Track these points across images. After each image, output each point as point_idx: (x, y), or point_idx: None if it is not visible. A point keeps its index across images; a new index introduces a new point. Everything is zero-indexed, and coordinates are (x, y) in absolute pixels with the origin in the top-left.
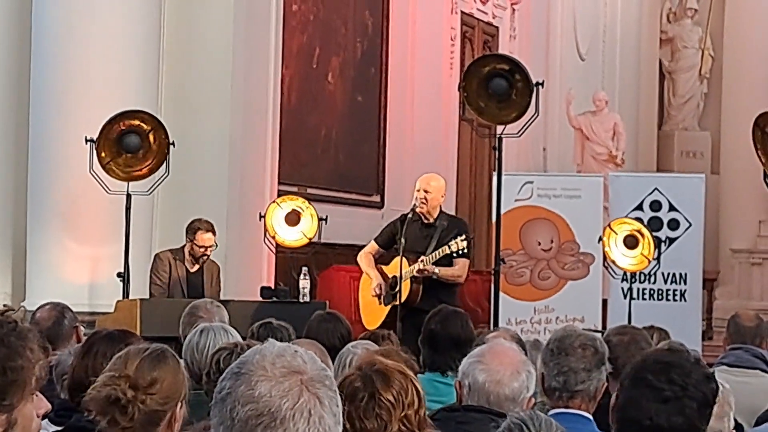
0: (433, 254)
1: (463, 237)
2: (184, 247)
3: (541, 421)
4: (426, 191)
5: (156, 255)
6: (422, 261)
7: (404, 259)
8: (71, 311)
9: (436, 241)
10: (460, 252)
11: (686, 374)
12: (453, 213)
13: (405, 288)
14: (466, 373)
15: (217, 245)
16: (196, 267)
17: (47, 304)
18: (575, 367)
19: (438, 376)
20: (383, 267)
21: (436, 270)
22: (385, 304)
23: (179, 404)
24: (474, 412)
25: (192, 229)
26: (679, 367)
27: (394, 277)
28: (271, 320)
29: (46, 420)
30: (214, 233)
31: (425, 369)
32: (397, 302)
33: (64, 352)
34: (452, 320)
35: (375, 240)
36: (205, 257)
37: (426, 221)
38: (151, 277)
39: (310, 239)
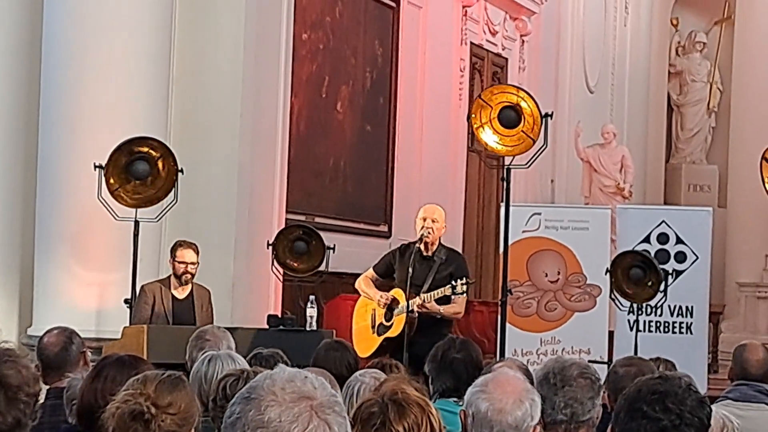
0: (433, 293)
1: (464, 281)
2: (170, 275)
3: None
4: (433, 220)
5: (141, 287)
6: (422, 298)
7: (406, 289)
8: (79, 336)
9: (433, 274)
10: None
11: (681, 402)
12: (461, 243)
13: (400, 320)
14: (470, 402)
15: (199, 264)
16: (185, 292)
17: (55, 328)
18: (581, 398)
19: (448, 405)
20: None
21: (441, 310)
22: (379, 335)
23: (192, 430)
24: None
25: (172, 249)
26: (673, 395)
27: (390, 308)
28: (261, 350)
29: None
30: (196, 252)
31: (437, 396)
32: (393, 334)
33: (76, 376)
34: (471, 347)
35: (373, 268)
36: (188, 275)
37: (425, 253)
38: (135, 308)
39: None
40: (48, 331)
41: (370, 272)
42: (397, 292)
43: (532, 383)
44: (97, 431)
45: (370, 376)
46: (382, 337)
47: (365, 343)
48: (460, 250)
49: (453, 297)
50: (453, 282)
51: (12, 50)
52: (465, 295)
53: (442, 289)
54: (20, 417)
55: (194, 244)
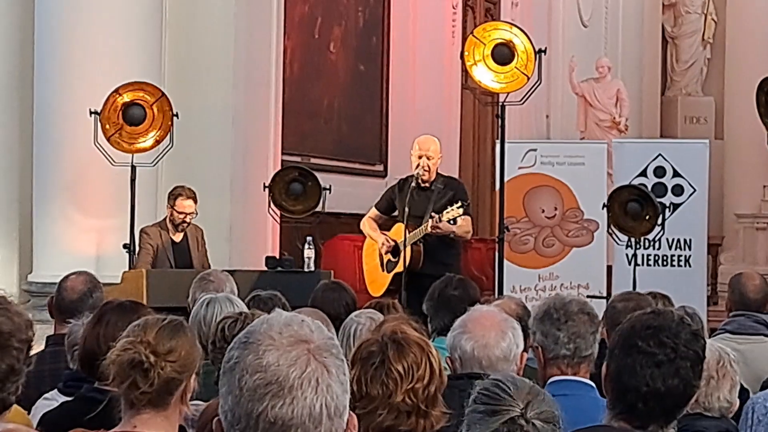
0: (442, 215)
1: (459, 205)
2: (166, 218)
3: (515, 380)
4: (428, 157)
5: (141, 230)
6: (434, 218)
7: (406, 225)
8: (101, 291)
9: (432, 204)
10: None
11: (675, 335)
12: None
13: (406, 254)
14: (454, 346)
15: (197, 213)
16: (180, 236)
17: (82, 273)
18: (583, 333)
19: (445, 342)
20: (386, 233)
21: (453, 228)
22: (388, 271)
23: (193, 376)
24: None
25: (173, 196)
26: (667, 329)
27: (396, 244)
28: (259, 292)
29: (56, 390)
30: (195, 201)
31: (435, 335)
32: (401, 269)
33: (77, 322)
34: (469, 285)
35: (375, 206)
36: (185, 224)
37: (423, 185)
38: (138, 251)
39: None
40: (75, 274)
41: (373, 211)
42: (399, 227)
43: (528, 318)
44: (99, 376)
45: (366, 316)
46: (392, 273)
47: (377, 282)
48: None
49: (457, 219)
50: (448, 207)
51: (5, 1)
52: (469, 216)
53: (438, 216)
54: (13, 363)
55: (193, 192)
